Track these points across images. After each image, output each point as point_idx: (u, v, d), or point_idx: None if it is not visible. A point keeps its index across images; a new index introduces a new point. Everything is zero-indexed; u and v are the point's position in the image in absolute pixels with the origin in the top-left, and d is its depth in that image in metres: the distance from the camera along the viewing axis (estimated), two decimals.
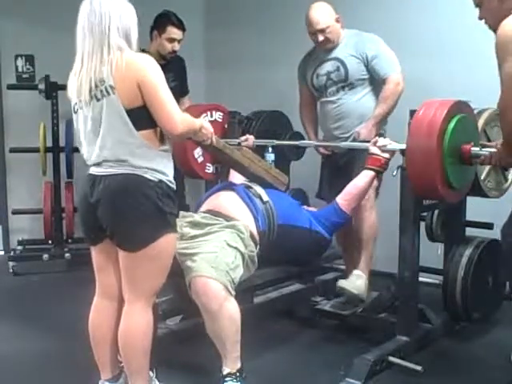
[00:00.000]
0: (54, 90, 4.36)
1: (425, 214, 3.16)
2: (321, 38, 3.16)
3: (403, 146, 2.61)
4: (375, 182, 2.96)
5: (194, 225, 2.57)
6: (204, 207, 2.78)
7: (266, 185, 2.85)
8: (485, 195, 2.93)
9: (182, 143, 3.16)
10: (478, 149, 2.52)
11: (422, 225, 3.05)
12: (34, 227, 4.75)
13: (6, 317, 3.42)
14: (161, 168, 2.08)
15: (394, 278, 2.95)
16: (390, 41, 3.20)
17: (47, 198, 4.46)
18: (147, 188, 2.05)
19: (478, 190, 2.87)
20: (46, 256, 4.35)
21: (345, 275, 3.20)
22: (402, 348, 2.67)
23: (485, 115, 2.85)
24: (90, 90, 2.03)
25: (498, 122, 2.50)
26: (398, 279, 2.80)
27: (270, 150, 3.39)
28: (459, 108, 2.55)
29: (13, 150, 4.57)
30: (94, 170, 2.12)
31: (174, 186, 2.14)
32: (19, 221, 4.84)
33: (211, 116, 3.69)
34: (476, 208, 3.07)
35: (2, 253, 4.88)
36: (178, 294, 2.60)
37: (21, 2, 4.66)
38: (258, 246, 2.60)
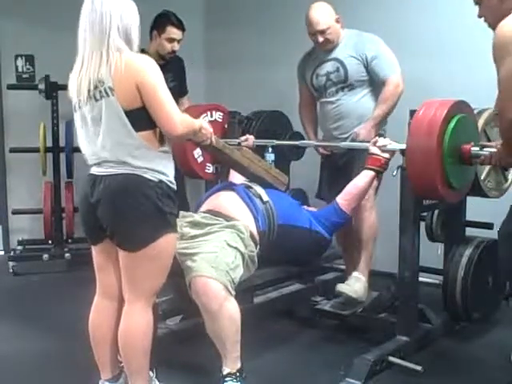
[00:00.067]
0: (54, 90, 4.36)
1: (425, 214, 3.16)
2: (321, 39, 3.15)
3: (403, 146, 2.61)
4: (375, 182, 2.96)
5: (194, 225, 2.57)
6: (204, 207, 2.78)
7: (265, 185, 2.85)
8: (485, 195, 2.93)
9: (181, 143, 3.15)
10: (477, 149, 2.52)
11: (422, 225, 3.05)
12: (33, 227, 4.75)
13: (5, 317, 3.41)
14: (160, 168, 2.08)
15: (394, 277, 2.95)
16: (390, 41, 3.19)
17: (47, 197, 4.47)
18: (147, 188, 2.05)
19: (478, 190, 2.87)
20: (45, 256, 4.36)
21: (345, 275, 3.20)
22: (402, 348, 2.68)
23: (485, 115, 2.85)
24: (89, 91, 2.03)
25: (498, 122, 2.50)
26: (398, 279, 2.80)
27: (270, 150, 3.39)
28: (459, 108, 2.55)
29: (13, 150, 4.57)
30: (94, 170, 2.12)
31: (174, 187, 2.14)
32: (19, 221, 4.84)
33: (211, 116, 3.69)
34: (476, 208, 3.07)
35: (2, 253, 4.88)
36: (178, 294, 2.60)
37: (21, 2, 4.66)
38: (258, 246, 2.60)
